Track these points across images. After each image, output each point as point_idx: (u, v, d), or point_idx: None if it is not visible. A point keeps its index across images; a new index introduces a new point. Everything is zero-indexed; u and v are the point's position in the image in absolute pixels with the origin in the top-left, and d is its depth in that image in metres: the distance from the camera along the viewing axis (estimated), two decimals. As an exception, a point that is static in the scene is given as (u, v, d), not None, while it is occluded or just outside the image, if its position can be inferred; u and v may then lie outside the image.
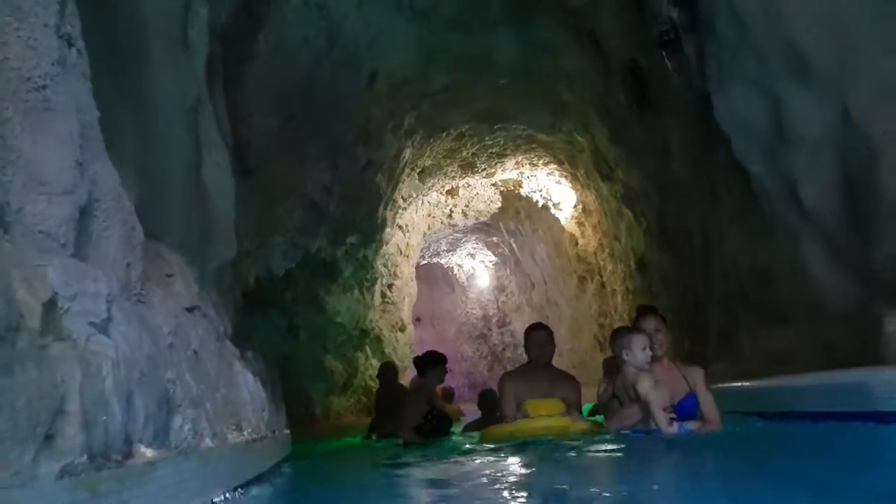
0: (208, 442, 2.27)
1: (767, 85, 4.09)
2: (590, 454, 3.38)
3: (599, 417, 4.78)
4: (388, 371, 7.48)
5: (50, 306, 1.44)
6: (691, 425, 3.60)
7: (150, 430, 1.83)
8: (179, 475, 1.85)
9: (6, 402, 1.13)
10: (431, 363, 5.62)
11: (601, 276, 11.55)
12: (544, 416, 4.30)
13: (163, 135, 3.28)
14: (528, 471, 3.16)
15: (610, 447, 3.47)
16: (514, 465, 3.33)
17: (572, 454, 3.43)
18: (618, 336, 3.93)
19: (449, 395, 11.90)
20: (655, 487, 2.34)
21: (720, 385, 4.68)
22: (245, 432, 3.03)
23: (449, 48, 7.69)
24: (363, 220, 8.11)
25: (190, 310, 2.73)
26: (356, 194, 7.67)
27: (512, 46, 7.75)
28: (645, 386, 3.60)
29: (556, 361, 14.05)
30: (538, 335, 4.83)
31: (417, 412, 5.35)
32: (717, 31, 4.41)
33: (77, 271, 1.66)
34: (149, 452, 1.77)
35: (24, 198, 1.69)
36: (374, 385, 9.73)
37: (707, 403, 3.68)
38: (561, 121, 8.94)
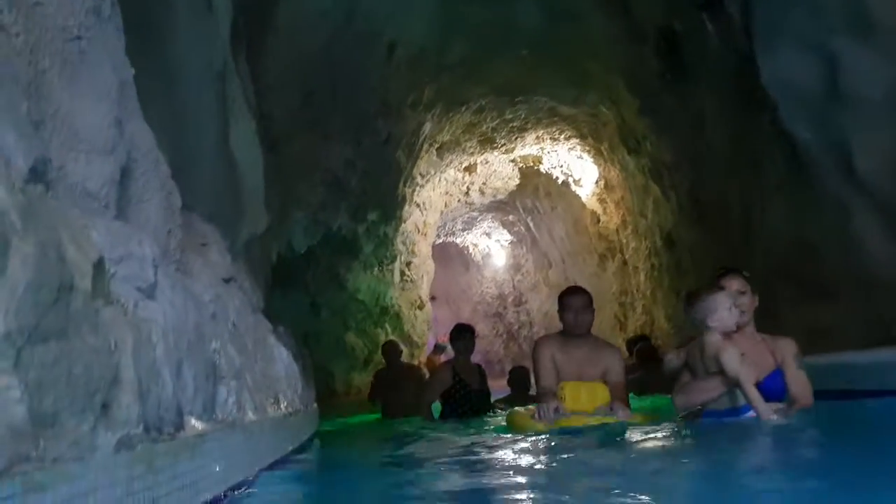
0: (251, 415, 2.16)
1: (823, 42, 3.89)
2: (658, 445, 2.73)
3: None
4: (393, 350, 7.28)
5: (99, 268, 1.31)
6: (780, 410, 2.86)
7: (199, 402, 1.71)
8: (226, 448, 1.74)
9: (63, 369, 1.00)
10: (455, 334, 5.52)
11: (623, 254, 11.36)
12: (584, 415, 3.55)
13: (191, 102, 3.15)
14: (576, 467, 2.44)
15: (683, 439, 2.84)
16: (552, 458, 2.70)
17: (628, 448, 2.81)
18: (697, 298, 3.07)
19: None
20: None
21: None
22: (282, 406, 2.93)
23: (468, 18, 7.47)
24: (384, 197, 7.98)
25: (227, 281, 2.61)
26: (377, 169, 7.53)
27: (533, 14, 7.52)
28: (733, 357, 2.81)
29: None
30: (575, 300, 4.02)
31: (438, 387, 5.27)
32: (765, -13, 4.20)
33: (122, 234, 1.53)
34: (199, 425, 1.65)
35: (65, 155, 1.56)
36: (395, 363, 9.67)
37: (798, 383, 3.00)
38: (585, 93, 8.72)
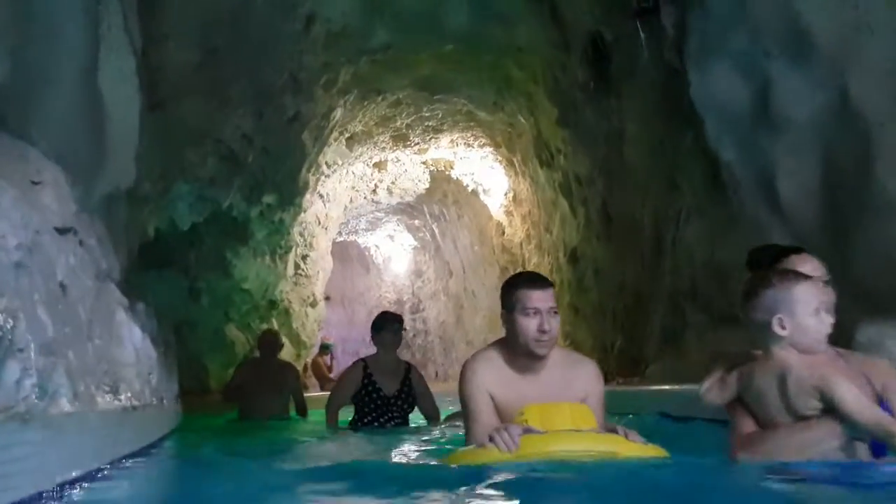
0: (65, 404, 1.62)
1: (757, 63, 3.77)
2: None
3: None
4: (273, 341, 6.12)
5: None
6: None
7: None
8: (7, 450, 1.22)
9: None
10: (378, 323, 4.66)
11: (524, 268, 11.24)
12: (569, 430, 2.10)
13: (46, 13, 2.54)
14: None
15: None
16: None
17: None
18: (768, 284, 1.94)
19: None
20: None
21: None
22: (122, 397, 2.37)
23: (396, 3, 7.08)
24: (284, 180, 7.37)
25: (61, 231, 2.04)
26: (279, 149, 6.93)
27: (463, 10, 7.23)
28: (851, 392, 1.78)
29: (468, 352, 13.75)
30: (539, 294, 2.34)
31: (346, 388, 4.56)
32: (705, 1, 4.05)
33: None
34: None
35: None
36: (279, 361, 9.00)
37: None
38: (505, 99, 8.50)
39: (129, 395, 2.48)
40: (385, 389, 4.43)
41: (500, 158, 10.53)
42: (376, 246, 18.18)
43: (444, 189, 12.95)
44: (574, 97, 6.62)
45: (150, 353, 3.15)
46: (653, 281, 5.43)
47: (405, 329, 4.40)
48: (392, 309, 18.52)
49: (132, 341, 2.76)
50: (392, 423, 4.42)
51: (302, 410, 5.88)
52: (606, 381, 6.82)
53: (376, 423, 4.43)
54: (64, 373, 1.66)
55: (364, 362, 4.60)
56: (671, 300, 5.07)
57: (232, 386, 6.01)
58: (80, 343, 1.96)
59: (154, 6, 4.63)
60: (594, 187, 6.70)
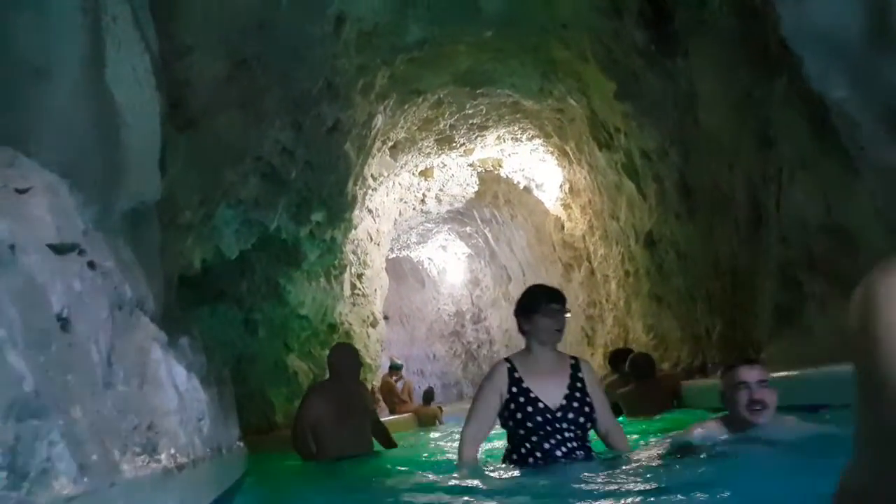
0: (64, 485, 1.15)
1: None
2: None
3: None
4: (349, 356, 4.99)
5: None
6: None
7: None
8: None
9: None
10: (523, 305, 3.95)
11: (590, 263, 10.60)
12: None
13: None
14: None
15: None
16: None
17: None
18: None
19: (428, 395, 10.80)
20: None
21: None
22: (162, 455, 1.90)
23: (428, -7, 6.63)
24: (331, 195, 6.95)
25: (59, 250, 1.59)
26: (323, 161, 6.52)
27: (500, -8, 6.73)
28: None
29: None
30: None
31: (489, 400, 4.01)
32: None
33: None
34: None
35: None
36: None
37: None
38: (552, 83, 7.94)
39: (172, 451, 2.01)
40: (546, 399, 2.93)
41: (550, 149, 9.96)
42: (429, 259, 17.75)
43: (494, 190, 12.43)
44: (633, 66, 6.01)
45: (199, 395, 2.69)
46: (755, 255, 4.76)
47: (568, 310, 3.06)
48: (451, 322, 18.05)
49: (173, 383, 2.30)
50: (562, 449, 2.86)
51: (387, 440, 5.02)
52: (705, 371, 6.06)
53: (537, 456, 2.88)
54: (61, 439, 1.19)
55: (509, 363, 3.05)
56: (782, 273, 4.39)
57: (301, 428, 4.68)
58: (92, 393, 1.49)
59: (173, 14, 4.27)
60: (667, 161, 6.05)
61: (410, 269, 18.24)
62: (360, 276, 9.37)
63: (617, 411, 6.15)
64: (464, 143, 9.84)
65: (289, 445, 5.07)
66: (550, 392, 2.90)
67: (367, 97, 7.21)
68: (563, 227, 11.11)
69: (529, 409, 2.88)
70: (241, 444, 4.26)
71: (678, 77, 5.42)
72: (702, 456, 2.59)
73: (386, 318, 14.25)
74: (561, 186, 10.67)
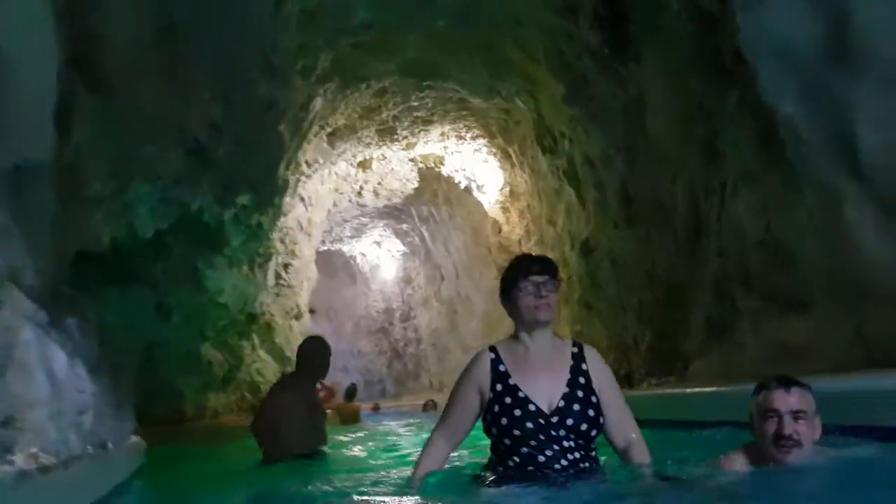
0: None
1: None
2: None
3: None
4: (321, 351, 4.40)
5: None
6: None
7: None
8: None
9: None
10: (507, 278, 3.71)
11: (524, 267, 10.52)
12: None
13: None
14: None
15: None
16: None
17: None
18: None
19: (351, 392, 10.47)
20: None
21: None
22: (18, 455, 1.58)
23: (376, -26, 6.36)
24: (259, 178, 6.57)
25: None
26: (253, 141, 6.13)
27: (454, -18, 6.52)
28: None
29: (465, 359, 13.04)
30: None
31: (467, 397, 3.70)
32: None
33: None
34: None
35: None
36: (262, 381, 8.16)
37: None
38: (501, 83, 7.79)
39: (33, 450, 1.69)
40: (539, 401, 2.20)
41: (494, 150, 9.83)
42: (362, 254, 17.39)
43: (433, 188, 12.22)
44: (583, 69, 5.91)
45: (82, 384, 2.35)
46: (691, 267, 4.71)
47: (557, 280, 2.27)
48: (380, 319, 17.75)
49: (48, 371, 1.96)
50: (562, 462, 2.16)
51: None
52: (633, 383, 6.00)
53: (528, 471, 2.17)
54: None
55: (494, 354, 2.28)
56: (717, 286, 4.35)
57: (260, 421, 4.19)
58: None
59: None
60: (611, 168, 5.98)
61: (342, 264, 17.83)
62: (286, 266, 8.98)
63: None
64: (406, 137, 9.58)
65: (199, 439, 4.70)
66: (544, 391, 2.17)
67: (307, 79, 6.87)
68: (500, 231, 11.01)
69: (517, 412, 2.14)
70: (137, 438, 3.88)
71: (628, 83, 5.34)
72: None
73: (312, 311, 13.81)
74: (501, 189, 10.57)
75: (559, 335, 2.35)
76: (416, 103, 8.49)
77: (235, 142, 5.95)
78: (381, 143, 9.72)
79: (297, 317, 9.10)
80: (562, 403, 2.17)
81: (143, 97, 4.69)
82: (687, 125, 4.64)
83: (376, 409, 10.26)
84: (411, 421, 7.69)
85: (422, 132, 9.43)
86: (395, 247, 16.47)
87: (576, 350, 2.29)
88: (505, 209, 10.68)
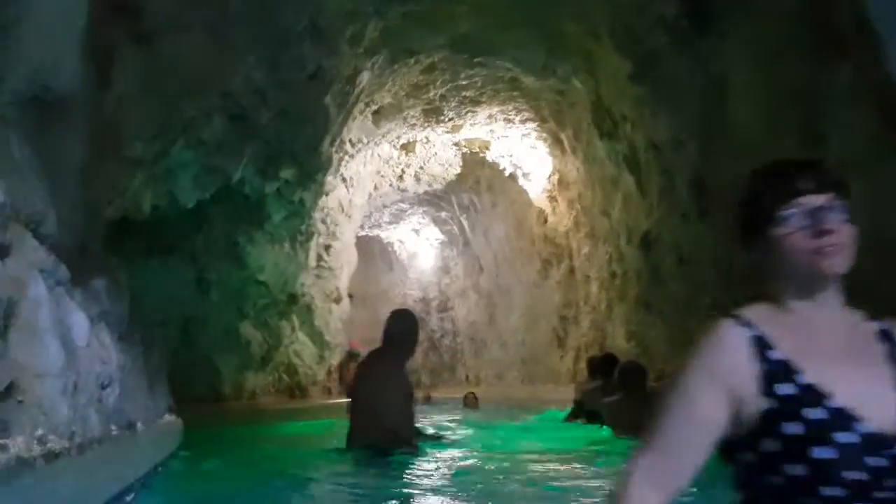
0: None
1: None
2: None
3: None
4: (410, 323, 3.93)
5: None
6: None
7: None
8: None
9: None
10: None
11: (571, 261, 10.06)
12: None
13: None
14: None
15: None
16: None
17: None
18: None
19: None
20: None
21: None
22: (17, 438, 1.25)
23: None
24: (304, 151, 6.27)
25: None
26: (299, 112, 5.83)
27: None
28: None
29: (502, 355, 12.40)
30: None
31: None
32: None
33: None
34: None
35: None
36: (300, 363, 7.89)
37: None
38: (557, 60, 7.34)
39: (38, 432, 1.36)
40: (871, 412, 1.12)
41: (544, 135, 9.38)
42: (400, 241, 17.09)
43: (476, 174, 11.81)
44: (655, 45, 5.44)
45: (107, 353, 2.03)
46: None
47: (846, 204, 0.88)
48: (416, 308, 17.34)
49: (63, 336, 1.64)
50: None
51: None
52: None
53: None
54: None
55: (749, 328, 1.21)
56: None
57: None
58: None
59: None
60: (681, 154, 5.51)
61: (380, 250, 17.55)
62: (327, 248, 8.68)
63: (593, 419, 5.64)
64: (452, 119, 9.19)
65: (237, 419, 4.41)
66: (872, 396, 1.14)
67: (354, 49, 6.52)
68: (545, 221, 10.55)
69: (842, 438, 1.10)
70: (172, 417, 3.59)
71: (709, 60, 4.87)
72: None
73: (350, 297, 13.59)
74: (549, 177, 10.11)
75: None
76: (464, 82, 8.08)
77: (280, 111, 5.65)
78: (426, 124, 9.35)
79: (337, 300, 8.81)
80: None
81: (186, 54, 4.40)
82: (779, 107, 4.16)
83: (428, 399, 9.89)
84: (456, 416, 7.34)
85: (469, 113, 9.03)
86: (434, 235, 16.12)
87: (882, 328, 1.25)
88: (552, 198, 10.22)
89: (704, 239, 5.33)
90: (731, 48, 4.63)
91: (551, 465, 3.33)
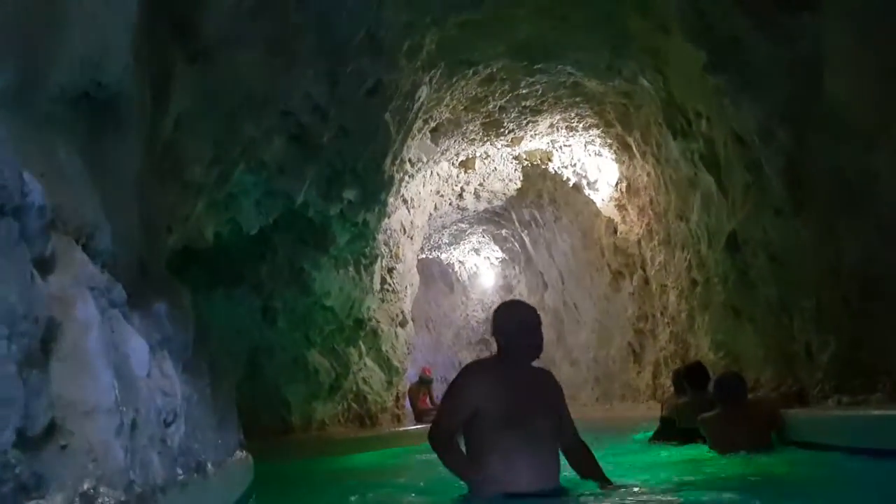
0: None
1: None
2: None
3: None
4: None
5: None
6: None
7: None
8: None
9: None
10: None
11: (644, 271, 9.57)
12: None
13: None
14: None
15: None
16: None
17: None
18: None
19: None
20: None
21: None
22: (59, 495, 0.98)
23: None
24: (366, 170, 6.07)
25: None
26: (359, 129, 5.65)
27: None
28: None
29: (573, 373, 11.90)
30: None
31: None
32: None
33: None
34: None
35: None
36: (369, 391, 7.66)
37: None
38: (622, 59, 6.98)
39: (86, 484, 1.09)
40: None
41: (609, 141, 8.99)
42: (460, 262, 16.83)
43: (538, 188, 11.47)
44: (734, 29, 5.03)
45: (170, 385, 1.78)
46: (891, 265, 3.76)
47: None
48: (480, 329, 17.01)
49: (118, 366, 1.39)
50: None
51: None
52: (805, 399, 4.91)
53: None
54: None
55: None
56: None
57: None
58: None
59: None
60: (771, 145, 5.05)
61: (440, 272, 17.32)
62: (390, 271, 8.47)
63: (687, 437, 5.15)
64: (513, 130, 8.91)
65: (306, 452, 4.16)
66: None
67: (412, 62, 6.33)
68: (615, 231, 10.10)
69: None
70: (243, 454, 3.36)
71: (799, 38, 4.43)
72: None
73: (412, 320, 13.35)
74: (616, 185, 9.69)
75: None
76: (524, 90, 7.81)
77: (340, 128, 5.48)
78: (485, 139, 9.10)
79: (402, 324, 8.57)
80: None
81: (242, 70, 4.25)
82: (889, 82, 3.71)
83: None
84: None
85: (529, 124, 8.73)
86: (494, 253, 15.81)
87: None
88: (621, 206, 9.77)
89: (801, 234, 4.84)
90: (827, 22, 4.21)
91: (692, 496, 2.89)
